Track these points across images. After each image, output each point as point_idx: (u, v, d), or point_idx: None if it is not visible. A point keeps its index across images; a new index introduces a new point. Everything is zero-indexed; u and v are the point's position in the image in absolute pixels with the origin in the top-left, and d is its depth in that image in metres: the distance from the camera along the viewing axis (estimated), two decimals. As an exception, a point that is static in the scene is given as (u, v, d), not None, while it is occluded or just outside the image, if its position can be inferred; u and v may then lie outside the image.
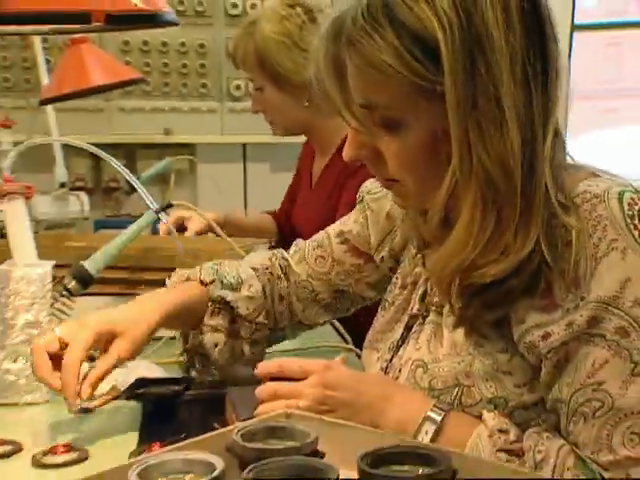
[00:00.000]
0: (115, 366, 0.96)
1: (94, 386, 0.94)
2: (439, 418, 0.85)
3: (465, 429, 0.84)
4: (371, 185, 1.12)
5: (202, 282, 1.10)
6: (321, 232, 1.17)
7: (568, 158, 0.87)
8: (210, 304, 1.09)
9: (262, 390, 0.91)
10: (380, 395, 0.89)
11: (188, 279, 1.11)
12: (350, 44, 0.82)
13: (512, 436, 0.82)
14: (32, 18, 0.83)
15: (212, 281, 1.09)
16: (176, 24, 0.94)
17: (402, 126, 0.83)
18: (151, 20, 0.89)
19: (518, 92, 0.79)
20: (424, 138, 0.83)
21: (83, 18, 0.80)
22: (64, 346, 0.95)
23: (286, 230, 1.98)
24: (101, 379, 0.95)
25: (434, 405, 0.86)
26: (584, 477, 0.78)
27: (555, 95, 0.83)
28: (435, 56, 0.78)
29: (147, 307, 1.02)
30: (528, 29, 0.80)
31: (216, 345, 1.09)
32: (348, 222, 1.14)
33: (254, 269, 1.15)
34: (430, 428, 0.85)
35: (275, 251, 1.21)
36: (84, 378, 0.94)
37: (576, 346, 0.79)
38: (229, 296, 1.09)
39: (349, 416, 0.84)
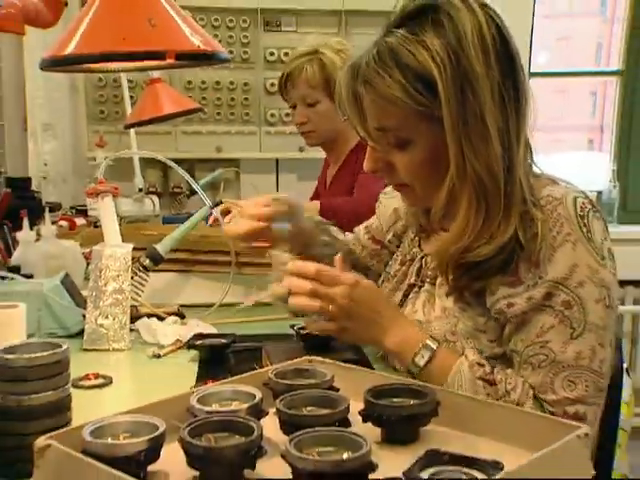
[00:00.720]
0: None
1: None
2: (434, 346, 0.84)
3: (452, 359, 0.84)
4: (387, 189, 1.12)
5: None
6: (359, 226, 1.17)
7: (534, 167, 0.87)
8: None
9: (300, 281, 0.84)
10: (391, 316, 0.86)
11: None
12: (365, 82, 0.82)
13: (487, 369, 0.82)
14: (122, 57, 0.84)
15: None
16: (228, 61, 0.93)
17: (410, 144, 0.83)
18: (210, 58, 0.88)
19: (497, 112, 0.79)
20: (427, 152, 0.83)
21: (160, 56, 0.82)
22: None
23: None
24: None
25: (430, 336, 0.85)
26: (538, 409, 0.78)
27: (525, 115, 0.83)
28: (433, 89, 0.78)
29: None
30: (503, 65, 0.80)
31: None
32: (371, 219, 1.14)
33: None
34: (426, 353, 0.83)
35: None
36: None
37: (532, 314, 0.80)
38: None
39: (361, 329, 0.83)
